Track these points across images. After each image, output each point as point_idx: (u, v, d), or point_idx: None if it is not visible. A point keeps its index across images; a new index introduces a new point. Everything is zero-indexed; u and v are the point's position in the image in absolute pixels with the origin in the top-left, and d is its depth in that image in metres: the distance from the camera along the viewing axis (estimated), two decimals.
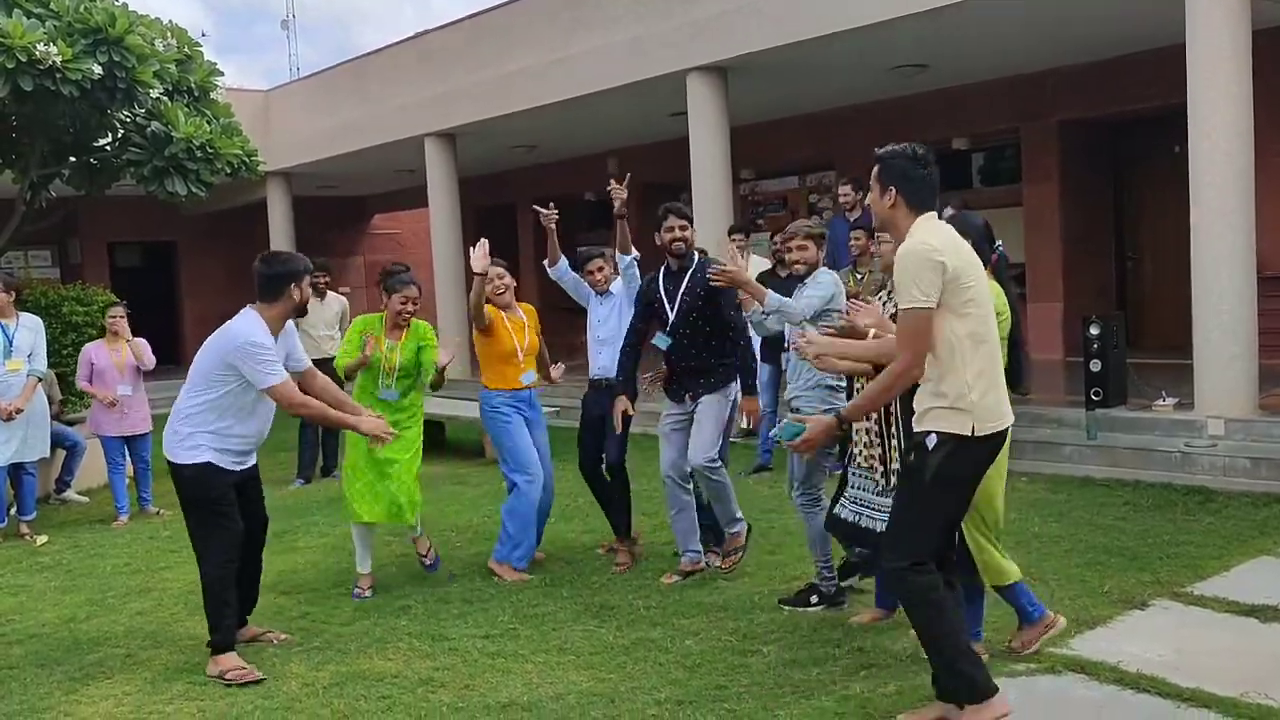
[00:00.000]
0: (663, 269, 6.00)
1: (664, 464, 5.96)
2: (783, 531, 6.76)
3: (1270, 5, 9.02)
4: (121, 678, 4.86)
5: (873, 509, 4.59)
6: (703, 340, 5.83)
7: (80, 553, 7.41)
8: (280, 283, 4.96)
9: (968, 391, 3.64)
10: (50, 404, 8.48)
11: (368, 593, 5.91)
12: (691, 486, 5.98)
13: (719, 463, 5.79)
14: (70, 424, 9.37)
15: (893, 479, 4.59)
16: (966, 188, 14.28)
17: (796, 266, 5.43)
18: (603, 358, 6.34)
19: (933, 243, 3.62)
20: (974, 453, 3.71)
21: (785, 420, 4.21)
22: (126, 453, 8.63)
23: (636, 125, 14.46)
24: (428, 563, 6.18)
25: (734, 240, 9.38)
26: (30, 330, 8.14)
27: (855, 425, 4.67)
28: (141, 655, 5.16)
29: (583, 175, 18.04)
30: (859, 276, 8.18)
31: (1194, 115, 7.72)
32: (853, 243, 8.40)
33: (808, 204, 15.24)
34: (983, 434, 3.67)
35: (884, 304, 4.89)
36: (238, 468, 5.01)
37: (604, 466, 6.41)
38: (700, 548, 6.02)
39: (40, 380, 8.12)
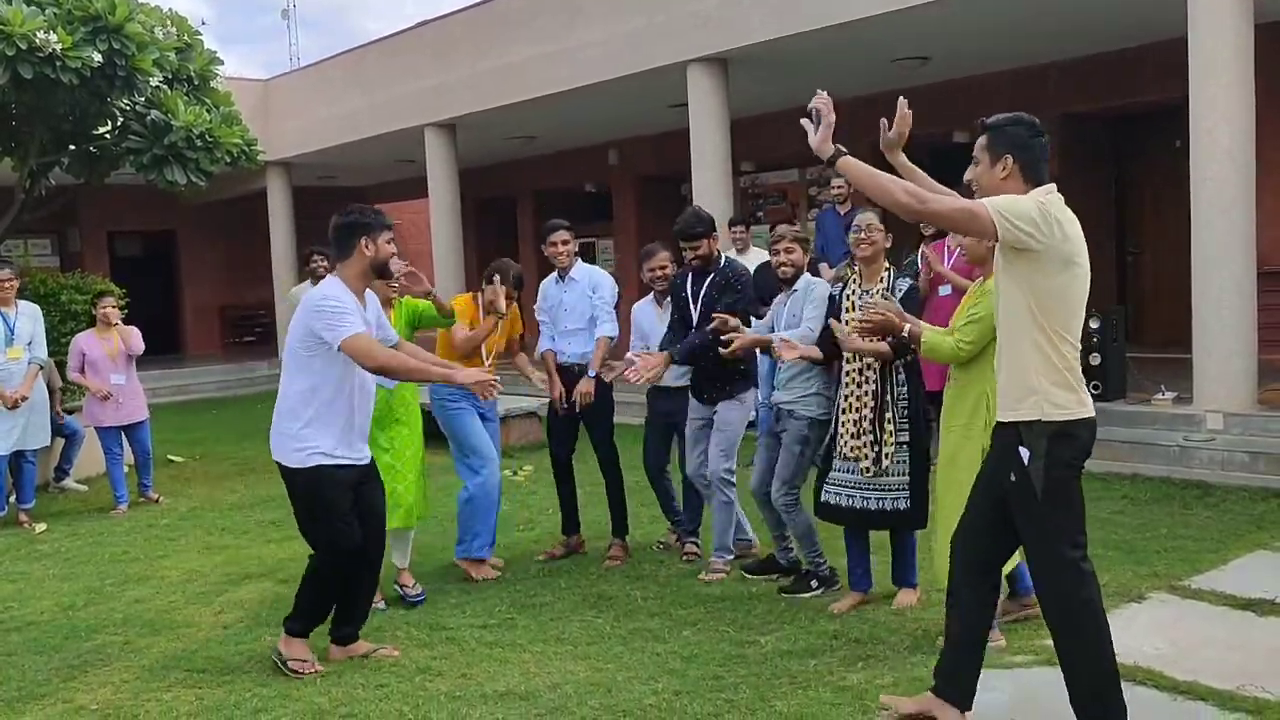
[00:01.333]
0: (690, 273, 6.02)
1: (690, 468, 6.09)
2: None
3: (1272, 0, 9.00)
4: (119, 665, 4.86)
5: (859, 490, 5.01)
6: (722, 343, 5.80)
7: (79, 541, 7.42)
8: (347, 234, 4.63)
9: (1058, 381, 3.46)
10: (51, 393, 8.48)
11: (417, 591, 5.70)
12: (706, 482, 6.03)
13: (734, 476, 5.87)
14: (69, 413, 9.37)
15: (885, 463, 4.91)
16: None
17: (784, 269, 5.45)
18: (573, 346, 6.24)
19: (1044, 199, 3.42)
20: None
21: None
22: (125, 442, 8.62)
23: (637, 117, 14.45)
24: (412, 595, 5.62)
25: (734, 232, 9.39)
26: (29, 318, 8.14)
27: (843, 418, 4.98)
28: (140, 643, 5.17)
29: (583, 166, 18.04)
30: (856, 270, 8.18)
31: (1195, 110, 7.70)
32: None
33: (807, 197, 15.22)
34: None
35: (850, 295, 5.03)
36: (350, 461, 4.63)
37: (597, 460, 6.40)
38: (752, 536, 6.14)
39: (41, 368, 8.12)
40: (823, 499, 5.15)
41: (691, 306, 5.94)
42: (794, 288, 5.44)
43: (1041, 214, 3.38)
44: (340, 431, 4.61)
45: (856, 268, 7.60)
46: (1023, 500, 3.47)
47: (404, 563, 5.75)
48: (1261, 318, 7.94)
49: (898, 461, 4.93)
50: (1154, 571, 5.45)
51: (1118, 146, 12.63)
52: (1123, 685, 4.02)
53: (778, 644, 4.71)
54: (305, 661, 4.64)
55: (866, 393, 4.95)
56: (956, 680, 3.77)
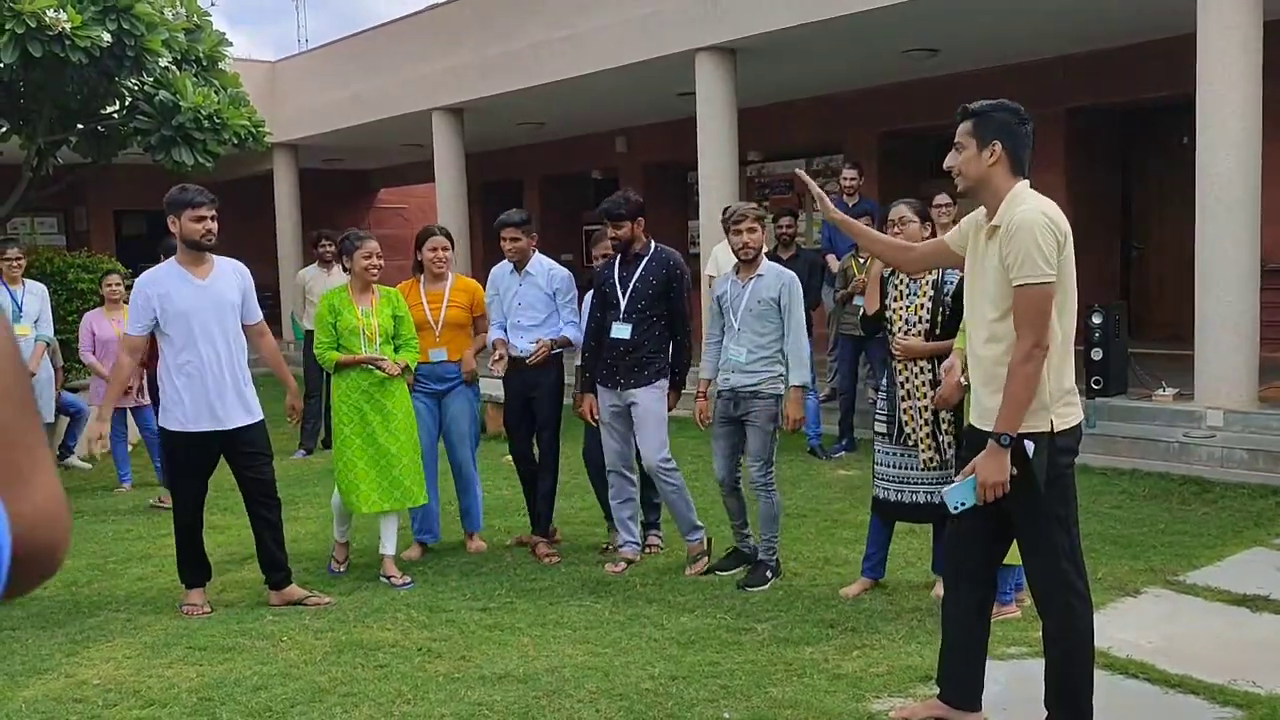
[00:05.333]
0: (618, 257, 5.89)
1: (609, 456, 5.90)
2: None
3: None
4: (122, 641, 4.91)
5: (912, 485, 4.97)
6: (646, 328, 5.73)
7: (82, 518, 7.47)
8: (166, 214, 5.20)
9: (1047, 380, 3.40)
10: (55, 372, 8.52)
11: (343, 568, 5.90)
12: (637, 477, 5.97)
13: (672, 462, 5.80)
14: (74, 391, 9.41)
15: (949, 452, 4.86)
16: None
17: (745, 250, 5.44)
18: (525, 342, 6.07)
19: (1049, 212, 3.37)
20: (1065, 447, 3.47)
21: (954, 486, 3.59)
22: (130, 420, 8.66)
23: (645, 104, 14.43)
24: (398, 583, 5.63)
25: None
26: (36, 296, 8.18)
27: (903, 405, 4.97)
28: (141, 620, 5.21)
29: (590, 153, 18.02)
30: (862, 262, 8.21)
31: (1202, 106, 7.70)
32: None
33: None
34: (1062, 429, 3.44)
35: (899, 284, 4.99)
36: (203, 429, 5.16)
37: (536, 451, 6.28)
38: (638, 538, 5.99)
39: (47, 346, 8.17)
40: (879, 496, 5.10)
41: (619, 292, 5.76)
42: (758, 271, 5.44)
43: (1055, 243, 3.32)
44: (191, 403, 5.15)
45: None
46: (1025, 492, 3.44)
47: (390, 549, 5.79)
48: (1264, 315, 7.94)
49: (951, 453, 4.92)
50: (1150, 566, 5.48)
51: (1125, 142, 12.61)
52: (1115, 678, 4.07)
53: (774, 631, 4.74)
54: (194, 606, 5.28)
55: (924, 382, 4.92)
56: (959, 682, 3.76)
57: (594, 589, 5.47)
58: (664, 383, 5.79)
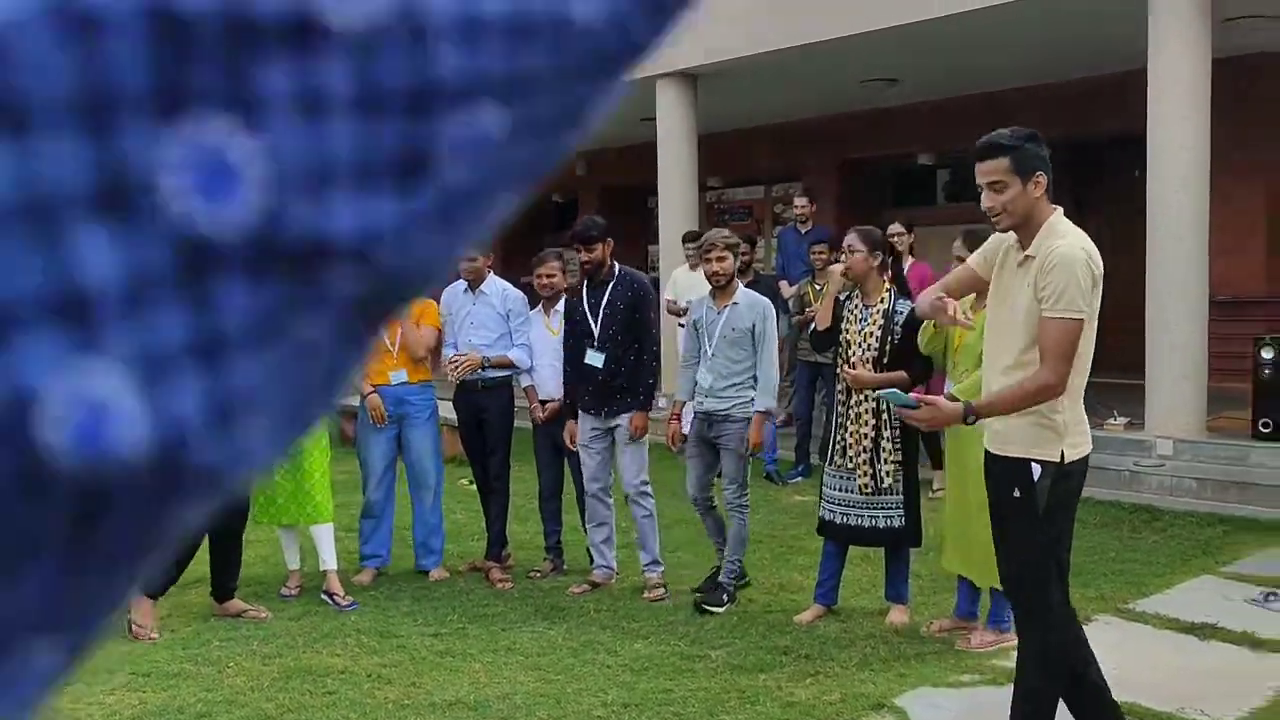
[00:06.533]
0: (585, 283, 5.89)
1: (587, 477, 5.89)
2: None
3: (1230, 35, 9.19)
4: None
5: (856, 508, 5.03)
6: (620, 355, 5.74)
7: None
8: None
9: (1061, 410, 3.34)
10: None
11: (294, 591, 5.83)
12: (611, 501, 5.96)
13: (649, 488, 5.81)
14: None
15: (885, 481, 4.92)
16: (931, 204, 14.43)
17: (716, 277, 5.48)
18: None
19: (1089, 249, 3.30)
20: (1072, 478, 3.42)
21: (896, 391, 3.83)
22: None
23: (606, 128, 14.16)
24: (341, 603, 5.57)
25: (688, 248, 9.37)
26: None
27: (840, 433, 5.02)
28: None
29: (551, 176, 17.92)
30: (818, 289, 8.27)
31: (1153, 141, 7.84)
32: (815, 256, 8.46)
33: (773, 214, 15.32)
34: (1073, 459, 3.38)
35: (853, 309, 5.04)
36: None
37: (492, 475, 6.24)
38: (613, 562, 5.97)
39: None
40: (823, 516, 5.21)
41: (590, 319, 5.77)
42: (733, 299, 5.48)
43: (1092, 280, 3.27)
44: None
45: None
46: (1023, 515, 3.41)
47: (331, 564, 5.73)
48: (1212, 346, 8.08)
49: (895, 480, 4.99)
50: (1101, 594, 5.52)
51: (1079, 174, 12.80)
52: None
53: (728, 658, 4.72)
54: (142, 628, 5.11)
55: (868, 410, 4.98)
56: None
57: (547, 615, 5.42)
58: (647, 406, 5.84)
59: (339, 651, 4.90)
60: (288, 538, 5.90)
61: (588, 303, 5.82)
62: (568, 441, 5.93)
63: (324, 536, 5.74)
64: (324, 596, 5.64)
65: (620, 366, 5.74)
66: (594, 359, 5.74)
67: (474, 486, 6.54)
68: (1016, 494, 3.39)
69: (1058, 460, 3.34)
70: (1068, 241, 3.29)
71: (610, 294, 5.77)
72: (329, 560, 5.73)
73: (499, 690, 4.40)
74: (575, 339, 5.85)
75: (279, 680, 4.55)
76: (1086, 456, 3.46)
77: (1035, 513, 3.37)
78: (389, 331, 6.01)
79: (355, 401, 6.12)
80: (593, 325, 5.75)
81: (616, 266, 5.88)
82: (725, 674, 4.53)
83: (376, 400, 5.99)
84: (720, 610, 5.34)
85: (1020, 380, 3.32)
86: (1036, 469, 3.35)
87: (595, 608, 5.52)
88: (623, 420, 5.74)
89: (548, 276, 6.07)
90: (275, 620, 5.41)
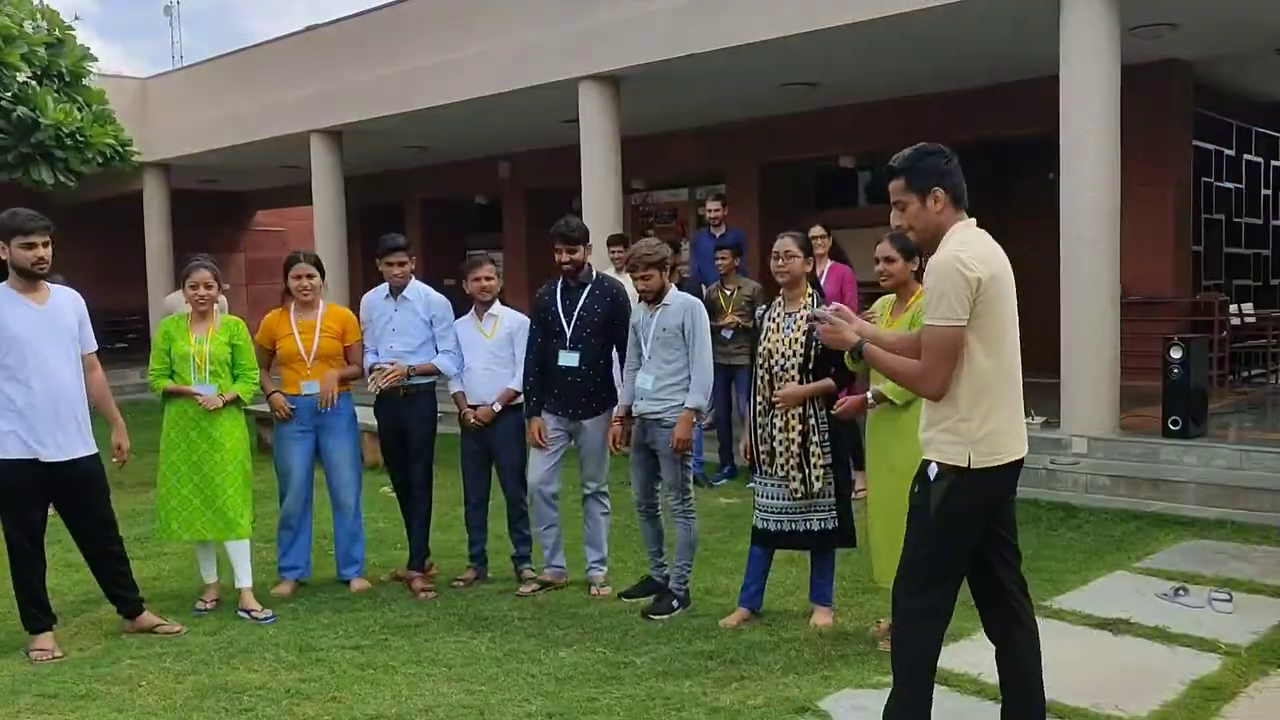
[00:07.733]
0: (559, 284, 5.90)
1: (536, 475, 5.89)
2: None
3: (1140, 42, 9.42)
4: None
5: (788, 514, 5.05)
6: (594, 357, 5.78)
7: None
8: None
9: (969, 418, 3.34)
10: None
11: (210, 605, 5.69)
12: (559, 503, 5.95)
13: (608, 488, 5.88)
14: None
15: (815, 485, 4.94)
16: (853, 205, 14.60)
17: (645, 294, 5.49)
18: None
19: (963, 256, 3.31)
20: (978, 486, 3.38)
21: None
22: None
23: (529, 130, 14.40)
24: (260, 617, 5.48)
25: (613, 251, 9.35)
26: None
27: (777, 436, 4.98)
28: None
29: (473, 178, 17.90)
30: (728, 293, 8.30)
31: (1065, 144, 8.01)
32: (719, 261, 8.48)
33: (696, 216, 15.37)
34: (981, 467, 3.35)
35: (775, 317, 5.05)
36: (31, 458, 4.93)
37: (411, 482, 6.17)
38: (564, 563, 5.98)
39: None
40: (759, 527, 5.17)
41: (564, 320, 5.79)
42: (664, 302, 5.47)
43: (967, 288, 3.27)
44: (21, 431, 4.93)
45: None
46: (917, 512, 3.44)
47: (246, 581, 5.64)
48: (1124, 345, 8.28)
49: (826, 484, 5.00)
50: None
51: (996, 176, 13.05)
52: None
53: (653, 665, 4.70)
54: (44, 651, 4.98)
55: (795, 416, 4.98)
56: None
57: (471, 624, 5.35)
58: (611, 411, 5.81)
59: (256, 667, 4.78)
60: (204, 550, 5.78)
61: (561, 304, 5.81)
62: (536, 438, 5.86)
63: (240, 553, 5.63)
64: (240, 614, 5.52)
65: (591, 369, 5.75)
66: (568, 359, 5.75)
67: (395, 494, 6.43)
68: (915, 489, 3.45)
69: (960, 465, 3.34)
70: (947, 250, 3.36)
71: (587, 297, 5.80)
72: (244, 578, 5.63)
73: (421, 703, 4.33)
74: (543, 338, 5.86)
75: (193, 698, 4.43)
76: (1008, 465, 3.40)
77: (926, 512, 3.40)
78: (304, 340, 5.90)
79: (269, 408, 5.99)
80: (565, 326, 5.77)
81: (594, 271, 5.91)
82: (650, 680, 4.51)
83: (280, 399, 5.90)
84: (666, 618, 5.33)
85: (910, 364, 3.43)
86: (934, 469, 3.38)
87: (519, 616, 5.47)
88: (588, 424, 5.76)
89: (486, 279, 6.00)
90: (190, 635, 5.27)
